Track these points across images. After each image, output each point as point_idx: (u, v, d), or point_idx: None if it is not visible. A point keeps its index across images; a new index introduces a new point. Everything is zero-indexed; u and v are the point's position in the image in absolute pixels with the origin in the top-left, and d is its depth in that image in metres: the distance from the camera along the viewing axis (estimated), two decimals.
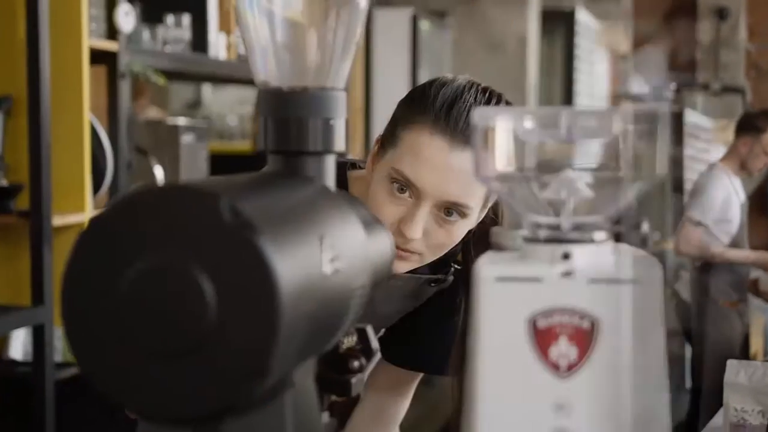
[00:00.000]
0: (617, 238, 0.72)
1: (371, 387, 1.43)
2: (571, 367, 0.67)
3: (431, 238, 1.25)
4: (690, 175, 7.16)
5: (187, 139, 2.91)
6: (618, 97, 7.78)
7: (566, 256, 0.68)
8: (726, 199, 4.19)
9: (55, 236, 2.33)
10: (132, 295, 0.60)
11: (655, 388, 0.67)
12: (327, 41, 0.81)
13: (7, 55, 2.39)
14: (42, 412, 2.26)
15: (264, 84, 0.81)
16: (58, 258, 2.30)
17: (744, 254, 4.32)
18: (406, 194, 1.23)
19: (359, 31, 0.83)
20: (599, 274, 0.67)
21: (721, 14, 9.13)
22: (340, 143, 0.81)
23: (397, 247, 1.23)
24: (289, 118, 0.79)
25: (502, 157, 0.71)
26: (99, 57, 2.54)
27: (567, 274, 0.67)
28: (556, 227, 0.70)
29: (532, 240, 0.70)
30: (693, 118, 7.12)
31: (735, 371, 1.96)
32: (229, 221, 0.60)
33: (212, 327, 0.59)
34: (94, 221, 0.62)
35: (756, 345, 4.60)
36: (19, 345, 2.56)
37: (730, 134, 8.59)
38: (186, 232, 0.60)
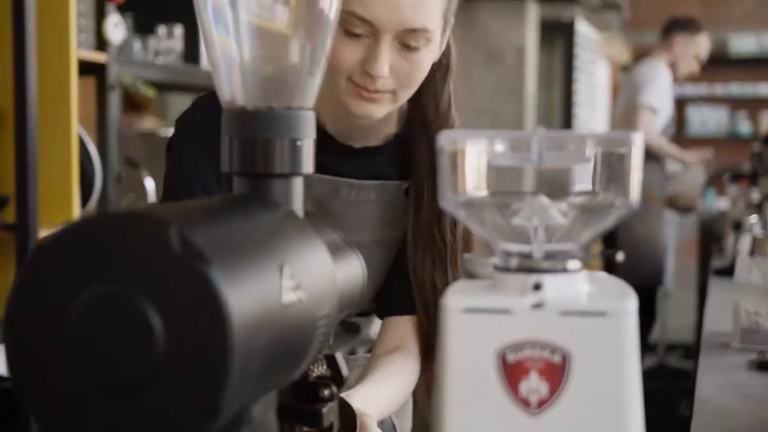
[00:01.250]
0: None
1: (375, 355, 1.34)
2: (542, 404, 0.64)
3: (399, 73, 1.20)
4: (578, 87, 7.21)
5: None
6: None
7: (537, 287, 0.65)
8: (666, 89, 4.32)
9: None
10: (77, 326, 0.58)
11: (630, 425, 0.64)
12: (293, 58, 0.79)
13: None
14: (27, 426, 2.23)
15: (230, 103, 0.79)
16: None
17: (678, 151, 4.55)
18: (362, 35, 1.19)
19: (328, 45, 0.80)
20: (571, 306, 0.64)
21: None
22: (308, 165, 0.78)
23: (367, 89, 1.20)
24: (254, 139, 0.76)
25: (470, 181, 0.68)
26: (88, 68, 2.52)
27: (538, 305, 0.64)
28: (528, 255, 0.67)
29: (503, 269, 0.67)
30: (582, 28, 7.12)
31: (746, 269, 1.82)
32: (178, 251, 0.57)
33: (160, 362, 0.56)
34: (40, 247, 0.59)
35: None
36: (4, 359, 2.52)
37: (614, 48, 8.61)
38: (134, 261, 0.57)
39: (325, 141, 1.30)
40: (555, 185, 0.69)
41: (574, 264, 0.67)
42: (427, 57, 1.22)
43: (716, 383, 1.52)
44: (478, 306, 0.65)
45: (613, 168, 0.66)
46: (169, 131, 3.12)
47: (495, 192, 0.69)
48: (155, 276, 0.57)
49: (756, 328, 1.82)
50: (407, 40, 1.19)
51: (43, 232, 2.31)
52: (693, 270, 5.55)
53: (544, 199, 0.68)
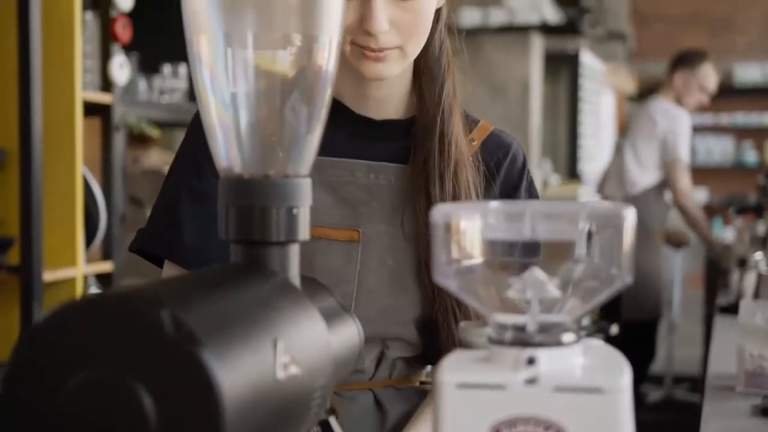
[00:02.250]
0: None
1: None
2: None
3: (400, 25, 1.14)
4: (583, 118, 7.21)
5: None
6: None
7: (531, 362, 0.65)
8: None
9: (46, 291, 2.31)
10: (70, 409, 0.58)
11: None
12: (290, 125, 0.79)
13: (0, 107, 2.38)
14: None
15: (226, 171, 0.79)
16: None
17: (708, 232, 4.52)
18: None
19: (324, 113, 0.81)
20: (565, 382, 0.64)
21: None
22: (304, 232, 0.78)
23: (371, 49, 1.14)
24: (251, 207, 0.76)
25: (463, 254, 0.68)
26: (93, 109, 2.53)
27: (531, 381, 0.64)
28: (522, 328, 0.67)
29: (497, 342, 0.67)
30: (587, 59, 7.12)
31: (750, 312, 1.79)
32: (170, 333, 0.57)
33: None
34: (33, 330, 0.59)
35: None
36: None
37: (619, 78, 8.64)
38: (126, 344, 0.57)
39: (341, 114, 1.25)
40: (549, 256, 0.69)
41: (568, 337, 0.67)
42: (427, 3, 1.15)
43: (720, 431, 1.52)
44: (472, 381, 0.65)
45: (606, 241, 0.66)
46: None
47: (488, 263, 0.69)
48: (148, 358, 0.57)
49: (760, 372, 1.81)
50: None
51: (48, 275, 2.31)
52: (699, 301, 5.53)
53: (538, 272, 0.68)
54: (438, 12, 1.22)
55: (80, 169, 2.41)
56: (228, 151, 0.78)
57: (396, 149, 1.24)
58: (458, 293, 0.69)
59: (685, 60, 4.40)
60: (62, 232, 2.39)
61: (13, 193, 2.31)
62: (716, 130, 9.98)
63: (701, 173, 10.04)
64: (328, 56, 0.79)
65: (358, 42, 1.15)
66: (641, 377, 4.40)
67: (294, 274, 0.78)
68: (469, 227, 0.68)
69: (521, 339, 0.67)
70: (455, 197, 1.18)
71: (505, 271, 0.68)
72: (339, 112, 1.25)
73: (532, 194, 1.25)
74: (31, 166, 2.27)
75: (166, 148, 3.81)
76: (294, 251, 0.78)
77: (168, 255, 1.22)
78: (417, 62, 1.22)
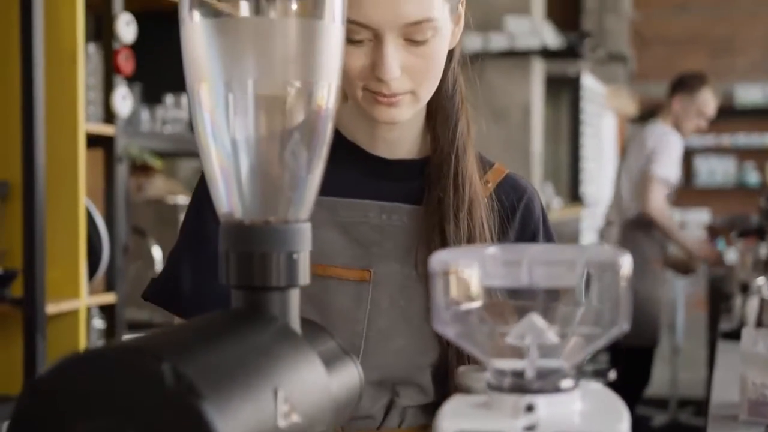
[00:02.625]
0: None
1: None
2: None
3: (412, 70, 1.12)
4: (585, 141, 7.21)
5: None
6: None
7: (530, 408, 0.65)
8: (678, 159, 4.35)
9: (50, 324, 2.31)
10: None
11: None
12: (290, 171, 0.80)
13: (3, 140, 2.39)
14: None
15: (227, 216, 0.80)
16: (52, 347, 2.28)
17: (688, 242, 4.48)
18: (365, 40, 1.11)
19: (323, 157, 0.81)
20: (564, 428, 0.64)
21: None
22: (304, 277, 0.79)
23: (383, 95, 1.13)
24: (251, 253, 0.77)
25: (461, 300, 0.69)
26: (96, 140, 2.54)
27: (530, 428, 0.65)
28: (521, 374, 0.68)
29: (496, 388, 0.68)
30: (588, 82, 7.13)
31: (752, 340, 1.78)
32: (171, 386, 0.57)
33: None
34: (36, 381, 0.60)
35: None
36: None
37: (621, 100, 8.64)
38: (128, 396, 0.58)
39: (355, 154, 1.24)
40: (547, 302, 0.70)
41: (567, 383, 0.67)
42: (439, 46, 1.13)
43: None
44: (472, 429, 0.65)
45: (603, 287, 0.67)
46: (177, 198, 3.14)
47: (486, 309, 0.69)
48: (149, 411, 0.57)
49: (763, 401, 1.81)
50: (412, 35, 1.11)
51: (51, 307, 2.32)
52: (703, 323, 5.52)
53: (536, 318, 0.68)
54: (451, 52, 1.22)
55: (83, 200, 2.42)
56: (229, 197, 0.79)
57: (409, 189, 1.23)
58: (456, 340, 0.70)
59: (684, 84, 4.41)
60: (65, 264, 2.40)
61: (17, 225, 2.32)
62: (718, 150, 10.00)
63: (703, 194, 10.06)
64: (327, 101, 0.80)
65: (370, 88, 1.14)
66: (636, 401, 4.38)
67: (294, 318, 0.78)
68: (468, 274, 0.68)
69: (520, 385, 0.67)
70: (470, 236, 1.17)
71: (504, 316, 0.69)
72: (353, 152, 1.25)
73: (549, 241, 1.26)
74: (34, 199, 2.28)
75: (170, 175, 3.82)
76: (294, 296, 0.79)
77: (168, 306, 1.23)
78: (430, 102, 1.21)
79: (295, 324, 0.78)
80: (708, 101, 4.41)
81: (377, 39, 1.11)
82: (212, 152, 0.78)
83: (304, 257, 0.79)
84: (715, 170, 10.07)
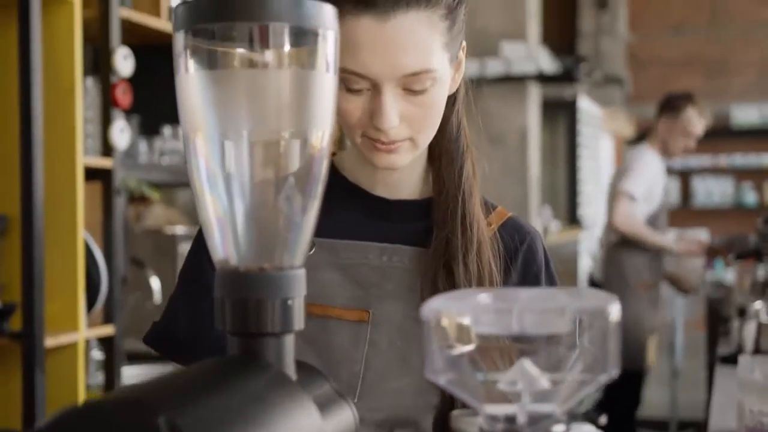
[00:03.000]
0: None
1: None
2: None
3: (411, 119, 1.13)
4: (582, 163, 7.22)
5: (185, 247, 2.90)
6: None
7: None
8: (653, 177, 4.29)
9: (48, 357, 2.32)
10: None
11: None
12: (284, 218, 0.81)
13: (2, 174, 2.40)
14: None
15: (222, 263, 0.81)
16: (51, 380, 2.28)
17: (668, 240, 4.39)
18: (363, 89, 1.12)
19: (317, 203, 0.83)
20: None
21: (602, 3, 9.23)
22: (299, 322, 0.80)
23: (383, 143, 1.14)
24: (247, 300, 0.78)
25: (453, 348, 0.70)
26: (94, 173, 2.56)
27: None
28: (512, 419, 0.69)
29: None
30: (585, 105, 7.15)
31: (749, 367, 1.78)
32: None
33: None
34: None
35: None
36: None
37: (617, 122, 8.62)
38: None
39: (357, 195, 1.25)
40: (539, 348, 0.71)
41: (558, 428, 0.68)
42: (438, 94, 1.14)
43: None
44: None
45: (593, 334, 0.68)
46: (175, 228, 3.16)
47: (479, 356, 0.70)
48: None
49: (761, 428, 1.81)
50: (411, 85, 1.11)
51: (50, 340, 2.32)
52: (703, 343, 5.52)
53: (528, 365, 0.69)
54: (454, 95, 1.23)
55: (81, 233, 2.43)
56: (224, 244, 0.80)
57: (411, 230, 1.24)
58: (448, 386, 0.71)
59: (668, 105, 4.41)
60: (64, 297, 2.40)
61: (15, 259, 2.33)
62: (715, 171, 10.03)
63: (701, 214, 10.08)
64: (321, 148, 0.81)
65: (369, 135, 1.15)
66: (630, 425, 4.37)
67: (289, 363, 0.79)
68: (459, 322, 0.69)
69: (512, 430, 0.68)
70: (479, 278, 1.18)
71: (495, 362, 0.70)
72: (354, 193, 1.26)
73: (552, 283, 1.27)
74: (33, 233, 2.29)
75: (170, 205, 3.84)
76: (289, 341, 0.80)
77: (166, 351, 1.25)
78: (432, 144, 1.22)
79: (290, 369, 0.79)
80: (693, 120, 4.39)
81: (375, 89, 1.11)
82: (207, 200, 0.80)
83: (298, 303, 0.80)
84: (713, 191, 10.09)
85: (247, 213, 0.79)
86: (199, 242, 1.26)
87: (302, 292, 0.80)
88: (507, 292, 0.74)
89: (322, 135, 0.81)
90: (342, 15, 1.10)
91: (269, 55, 0.77)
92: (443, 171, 1.24)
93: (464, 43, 1.22)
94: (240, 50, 0.87)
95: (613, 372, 0.68)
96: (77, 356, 2.41)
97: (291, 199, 0.81)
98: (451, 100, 1.22)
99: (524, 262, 1.27)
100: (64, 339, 2.36)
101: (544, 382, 0.69)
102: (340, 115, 1.13)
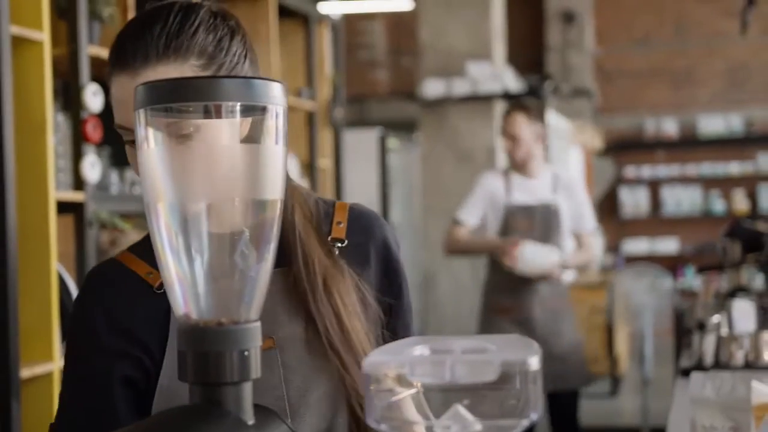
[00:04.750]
0: None
1: None
2: None
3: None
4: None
5: None
6: None
7: None
8: (491, 198, 4.00)
9: (23, 388, 2.37)
10: None
11: None
12: (239, 277, 0.88)
13: None
14: None
15: (183, 318, 0.88)
16: (27, 411, 2.33)
17: (486, 241, 4.02)
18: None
19: (270, 262, 0.90)
20: None
21: (568, 17, 9.37)
22: (256, 371, 0.87)
23: None
24: (207, 353, 0.85)
25: (392, 397, 0.77)
26: (66, 207, 2.62)
27: None
28: None
29: None
30: (552, 119, 7.26)
31: (700, 384, 1.84)
32: None
33: None
34: None
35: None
36: None
37: (585, 135, 8.67)
38: None
39: None
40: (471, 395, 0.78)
41: None
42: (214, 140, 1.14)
43: None
44: None
45: (516, 382, 0.76)
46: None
47: (415, 404, 0.78)
48: None
49: None
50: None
51: (25, 371, 2.38)
52: (671, 348, 5.60)
53: (461, 410, 0.77)
54: None
55: (55, 266, 2.49)
56: (185, 300, 0.87)
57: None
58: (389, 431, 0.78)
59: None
60: (39, 328, 2.46)
61: None
62: (684, 180, 10.18)
63: (671, 223, 10.23)
64: (273, 211, 0.89)
65: None
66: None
67: (248, 410, 0.87)
68: (397, 374, 0.77)
69: None
70: (336, 313, 1.22)
71: (430, 408, 0.78)
72: None
73: (399, 274, 1.32)
74: (6, 266, 2.34)
75: (143, 230, 3.88)
76: (247, 388, 0.87)
77: None
78: None
79: (248, 414, 0.87)
80: (505, 122, 4.07)
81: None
82: (169, 261, 0.87)
83: (254, 353, 0.87)
84: (682, 200, 10.24)
85: (205, 273, 0.87)
86: (81, 331, 1.25)
87: (258, 342, 0.87)
88: (441, 344, 0.81)
89: (273, 199, 0.88)
90: (110, 75, 1.18)
91: (223, 130, 0.84)
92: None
93: None
94: (195, 126, 0.95)
95: (533, 416, 0.76)
96: (52, 387, 2.46)
97: (245, 259, 0.88)
98: None
99: (377, 250, 1.31)
100: (39, 370, 2.42)
101: (476, 425, 0.76)
102: (135, 169, 1.16)
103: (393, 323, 1.31)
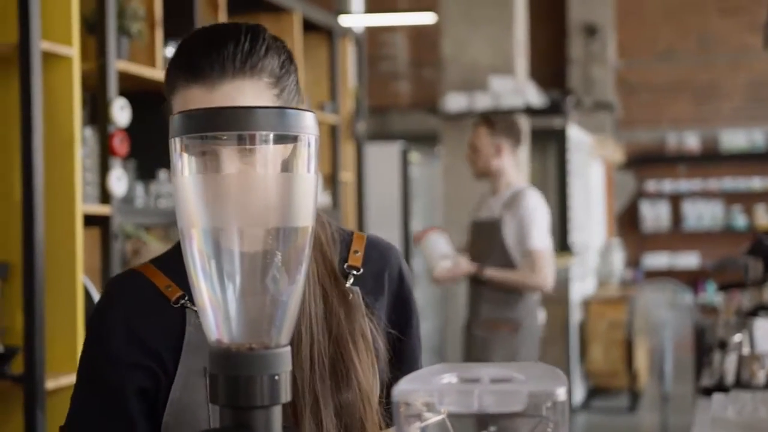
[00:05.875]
0: None
1: None
2: None
3: None
4: (572, 190, 7.27)
5: None
6: None
7: None
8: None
9: (49, 399, 2.40)
10: None
11: None
12: (270, 303, 0.90)
13: (4, 222, 2.49)
14: None
15: (216, 343, 0.90)
16: (52, 422, 2.36)
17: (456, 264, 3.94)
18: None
19: (300, 288, 0.92)
20: None
21: (591, 31, 9.33)
22: (286, 395, 0.89)
23: None
24: (238, 377, 0.87)
25: (420, 423, 0.79)
26: (93, 220, 2.65)
27: None
28: None
29: None
30: (574, 132, 7.25)
31: (723, 406, 1.85)
32: None
33: None
34: None
35: None
36: None
37: (607, 149, 8.60)
38: None
39: None
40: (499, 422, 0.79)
41: None
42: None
43: None
44: None
45: (545, 413, 0.77)
46: None
47: (442, 430, 0.79)
48: None
49: None
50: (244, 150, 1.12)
51: (50, 383, 2.40)
52: (692, 366, 5.58)
53: None
54: None
55: (81, 278, 2.52)
56: (217, 326, 0.89)
57: None
58: None
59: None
60: (64, 340, 2.49)
61: (17, 304, 2.42)
62: (705, 195, 10.13)
63: (691, 238, 10.18)
64: (304, 239, 0.90)
65: None
66: None
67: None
68: (426, 402, 0.78)
69: None
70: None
71: None
72: None
73: (411, 308, 1.33)
74: (34, 279, 2.38)
75: (166, 240, 3.92)
76: (277, 412, 0.89)
77: None
78: None
79: None
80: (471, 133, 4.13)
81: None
82: (202, 287, 0.89)
83: (284, 377, 0.89)
84: (703, 214, 10.19)
85: (237, 300, 0.88)
86: (95, 340, 1.25)
87: (288, 367, 0.89)
88: (469, 372, 0.83)
89: (305, 226, 0.90)
90: (178, 87, 1.20)
91: (256, 160, 0.86)
92: None
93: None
94: (229, 155, 0.97)
95: None
96: None
97: (276, 285, 0.90)
98: None
99: (391, 281, 1.33)
100: (64, 381, 2.44)
101: None
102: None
103: (399, 355, 1.32)
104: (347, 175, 4.53)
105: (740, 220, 10.06)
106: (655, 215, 10.25)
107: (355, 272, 1.29)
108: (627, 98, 10.18)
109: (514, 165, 4.09)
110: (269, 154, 0.85)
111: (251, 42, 1.19)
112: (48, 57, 2.48)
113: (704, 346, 4.61)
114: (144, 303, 1.25)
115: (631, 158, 10.08)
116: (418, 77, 9.97)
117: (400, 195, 5.14)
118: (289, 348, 0.90)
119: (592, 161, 8.52)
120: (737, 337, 3.11)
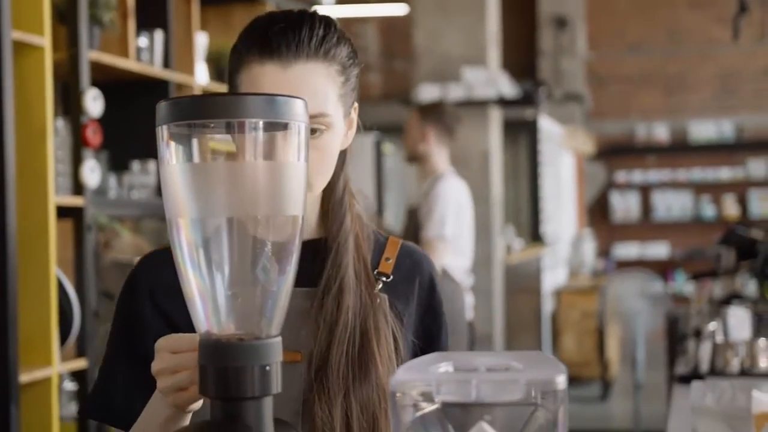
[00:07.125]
0: None
1: None
2: None
3: (309, 161, 1.14)
4: (543, 181, 7.30)
5: None
6: None
7: None
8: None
9: (23, 392, 2.37)
10: None
11: None
12: (260, 293, 0.88)
13: None
14: None
15: (205, 335, 0.88)
16: (26, 416, 2.33)
17: None
18: None
19: (291, 277, 0.90)
20: None
21: (561, 23, 9.38)
22: (276, 385, 0.88)
23: None
24: (227, 368, 0.86)
25: (417, 413, 0.77)
26: (66, 211, 2.61)
27: None
28: None
29: None
30: (545, 124, 7.29)
31: (701, 394, 1.85)
32: None
33: None
34: None
35: None
36: None
37: (577, 140, 8.64)
38: None
39: None
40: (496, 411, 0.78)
41: None
42: (332, 141, 1.21)
43: None
44: None
45: (544, 401, 0.76)
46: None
47: (439, 419, 0.78)
48: None
49: None
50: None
51: (24, 376, 2.37)
52: (663, 355, 5.61)
53: (486, 427, 0.77)
54: (343, 154, 1.29)
55: (54, 270, 2.48)
56: (206, 316, 0.88)
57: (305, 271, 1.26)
58: None
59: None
60: (38, 333, 2.45)
61: None
62: (674, 185, 10.20)
63: (661, 228, 10.25)
64: (295, 228, 0.89)
65: None
66: None
67: (268, 424, 0.87)
68: (423, 392, 0.77)
69: None
70: (334, 320, 1.22)
71: (456, 424, 0.78)
72: None
73: (440, 318, 1.33)
74: (6, 271, 2.34)
75: (137, 233, 3.88)
76: (268, 403, 0.88)
77: (106, 420, 1.27)
78: (324, 198, 1.29)
79: (268, 429, 0.87)
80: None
81: None
82: (191, 278, 0.87)
83: (275, 368, 0.87)
84: (672, 205, 10.26)
85: (226, 289, 0.87)
86: (125, 307, 1.27)
87: (279, 357, 0.88)
88: (465, 361, 0.82)
89: (294, 215, 0.89)
90: (249, 63, 1.20)
91: (245, 148, 0.85)
92: (329, 228, 1.29)
93: (356, 105, 1.29)
94: (218, 143, 0.95)
95: None
96: (51, 391, 2.46)
97: (266, 275, 0.88)
98: (342, 158, 1.29)
99: (420, 294, 1.32)
100: (38, 374, 2.41)
101: None
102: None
103: None
104: None
105: (709, 211, 10.14)
106: (625, 206, 10.31)
107: (384, 278, 1.29)
108: (597, 90, 10.22)
109: (441, 153, 4.07)
110: (258, 141, 0.84)
111: (325, 29, 1.22)
112: (19, 47, 2.44)
113: (677, 334, 4.64)
114: (173, 278, 1.24)
115: (601, 149, 10.13)
116: (390, 68, 9.95)
117: (374, 186, 5.13)
118: (279, 338, 0.89)
119: (562, 152, 8.56)
120: (712, 326, 3.13)
